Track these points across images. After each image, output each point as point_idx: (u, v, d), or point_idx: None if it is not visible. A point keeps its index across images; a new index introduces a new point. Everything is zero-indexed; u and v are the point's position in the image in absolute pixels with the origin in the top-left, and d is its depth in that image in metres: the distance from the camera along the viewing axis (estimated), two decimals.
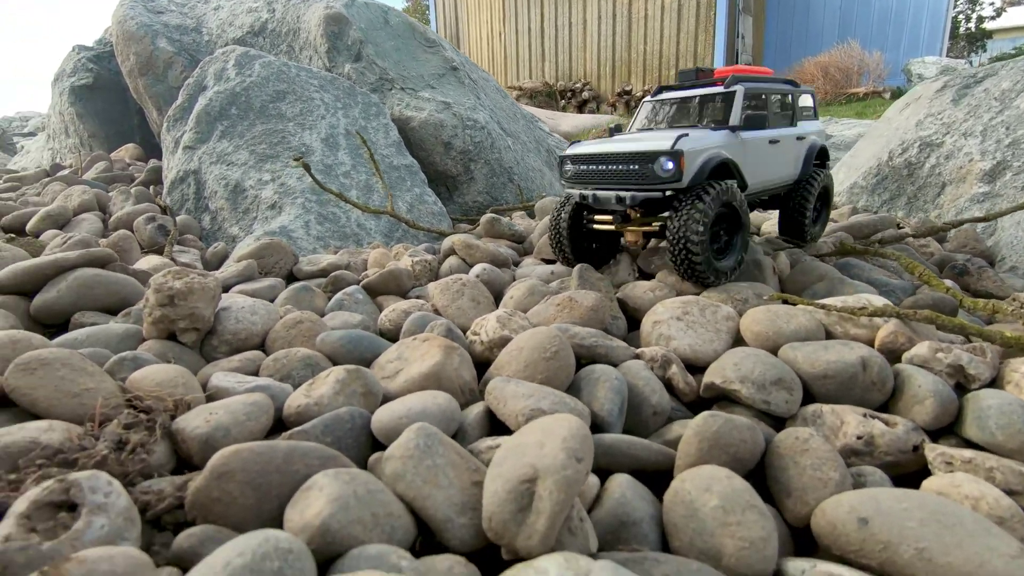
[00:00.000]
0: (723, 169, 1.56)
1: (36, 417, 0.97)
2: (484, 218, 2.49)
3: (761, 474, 0.98)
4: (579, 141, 1.84)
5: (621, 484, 0.90)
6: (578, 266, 1.67)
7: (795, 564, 0.80)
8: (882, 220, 2.43)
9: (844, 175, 3.35)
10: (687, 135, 1.50)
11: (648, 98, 1.98)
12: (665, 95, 1.89)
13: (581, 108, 13.67)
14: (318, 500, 0.74)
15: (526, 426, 0.90)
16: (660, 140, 1.50)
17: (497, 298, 1.71)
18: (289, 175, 2.63)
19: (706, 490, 0.85)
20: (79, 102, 4.26)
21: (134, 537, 0.71)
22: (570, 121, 11.07)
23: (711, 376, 1.19)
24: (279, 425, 1.07)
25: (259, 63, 3.02)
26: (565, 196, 1.80)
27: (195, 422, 0.95)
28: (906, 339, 1.20)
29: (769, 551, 0.79)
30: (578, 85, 14.32)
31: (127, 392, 1.04)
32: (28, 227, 2.29)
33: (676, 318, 1.39)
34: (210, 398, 1.10)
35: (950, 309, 1.40)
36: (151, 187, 2.79)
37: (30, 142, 8.74)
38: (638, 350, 1.30)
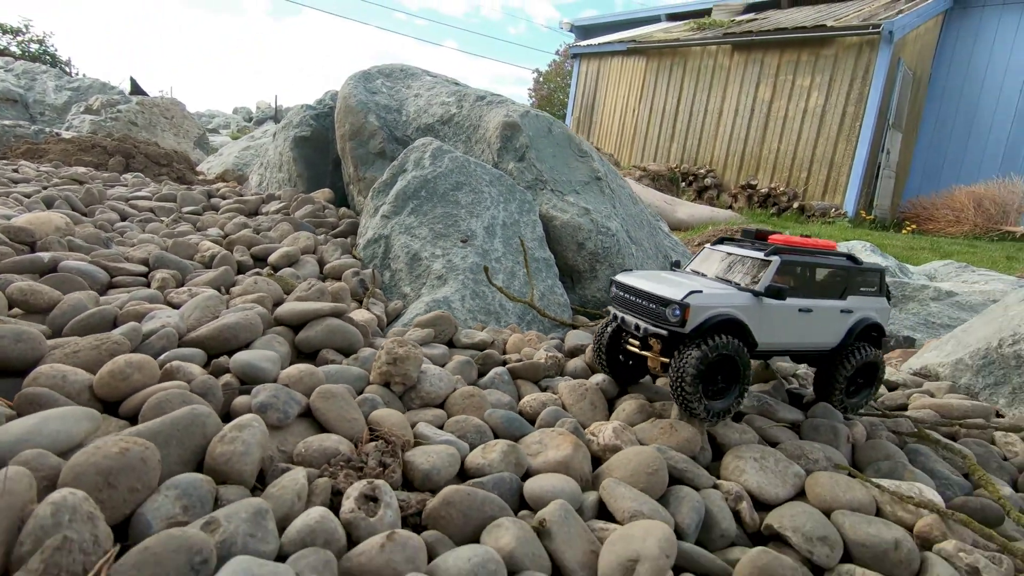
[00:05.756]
0: (733, 325, 1.86)
1: (325, 430, 1.56)
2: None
3: None
4: (629, 270, 2.20)
5: None
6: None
7: None
8: (976, 409, 2.60)
9: (951, 348, 3.48)
10: (701, 291, 1.81)
11: (708, 246, 2.29)
12: (721, 247, 2.22)
13: (701, 194, 13.83)
14: (506, 535, 1.23)
15: (632, 523, 1.34)
16: (677, 289, 1.83)
17: (610, 405, 2.17)
18: (455, 254, 3.29)
19: None
20: (296, 148, 5.38)
21: (399, 526, 1.23)
22: (687, 209, 11.23)
23: (771, 519, 1.56)
24: (461, 472, 1.59)
25: (448, 157, 3.80)
26: (612, 314, 2.16)
27: (420, 459, 1.49)
28: (940, 533, 1.50)
29: None
30: (702, 171, 14.47)
31: (371, 426, 1.62)
32: (270, 260, 3.10)
33: (754, 459, 1.77)
34: (415, 441, 1.65)
35: (995, 517, 1.65)
36: (347, 238, 3.58)
37: (225, 146, 10.56)
38: (718, 480, 1.69)
